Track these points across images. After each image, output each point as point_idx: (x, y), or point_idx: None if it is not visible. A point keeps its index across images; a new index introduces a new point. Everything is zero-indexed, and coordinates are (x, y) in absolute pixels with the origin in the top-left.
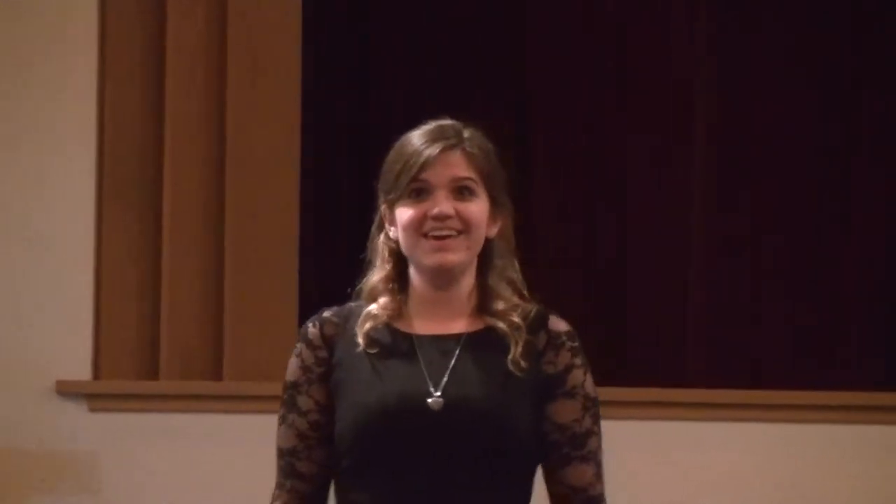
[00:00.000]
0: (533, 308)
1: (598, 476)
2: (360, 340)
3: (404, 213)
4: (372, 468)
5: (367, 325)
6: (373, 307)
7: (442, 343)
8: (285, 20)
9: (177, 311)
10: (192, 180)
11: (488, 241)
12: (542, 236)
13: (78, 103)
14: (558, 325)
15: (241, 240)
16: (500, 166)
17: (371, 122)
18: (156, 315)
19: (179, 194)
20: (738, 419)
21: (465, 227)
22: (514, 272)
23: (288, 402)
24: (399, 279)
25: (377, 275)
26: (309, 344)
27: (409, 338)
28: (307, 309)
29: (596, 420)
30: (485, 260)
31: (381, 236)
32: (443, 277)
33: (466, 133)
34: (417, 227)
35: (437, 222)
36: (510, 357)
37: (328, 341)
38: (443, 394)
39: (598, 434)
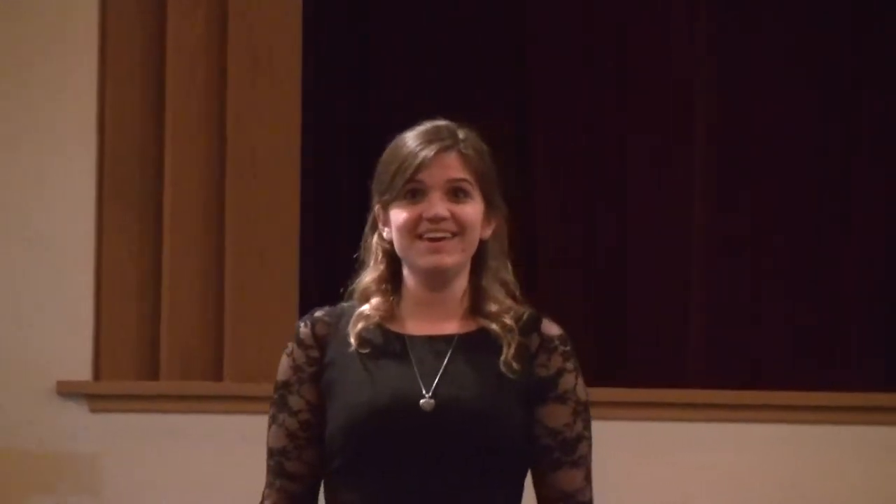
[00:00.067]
0: (525, 311)
1: (588, 481)
2: (353, 341)
3: (399, 215)
4: (363, 468)
5: (360, 326)
6: (365, 307)
7: (434, 344)
8: (285, 20)
9: (177, 311)
10: (192, 180)
11: (482, 243)
12: (542, 236)
13: (78, 103)
14: (551, 328)
15: (242, 240)
16: (494, 167)
17: (371, 122)
18: (156, 316)
19: (180, 194)
20: (737, 420)
21: (460, 230)
22: (507, 273)
23: (279, 402)
24: (392, 280)
25: (370, 275)
26: (300, 343)
27: (401, 338)
28: (307, 309)
29: (587, 425)
30: (478, 261)
31: (375, 236)
32: (437, 279)
33: (461, 134)
34: (412, 229)
35: (432, 224)
36: (502, 359)
37: (320, 341)
38: (434, 395)
39: (588, 439)
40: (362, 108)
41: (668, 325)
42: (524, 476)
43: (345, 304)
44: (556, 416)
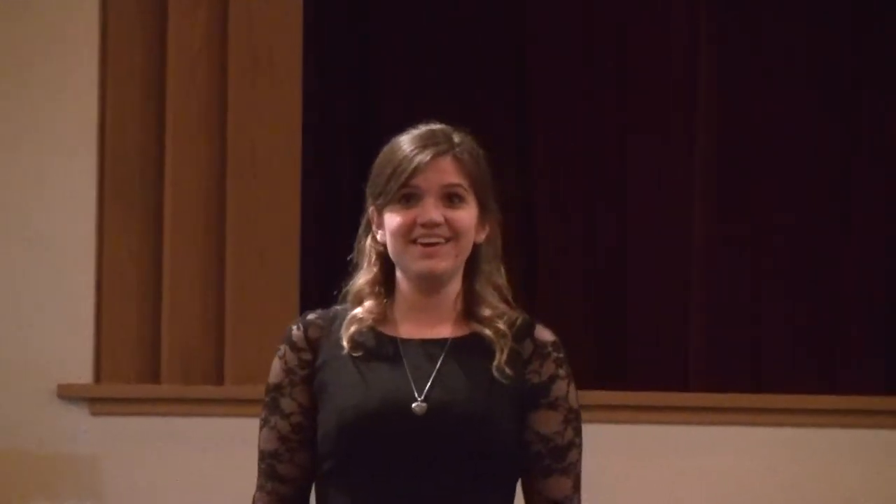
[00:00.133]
0: (519, 316)
1: (576, 489)
2: (345, 343)
3: (393, 219)
4: (354, 471)
5: (353, 329)
6: (358, 310)
7: (427, 347)
8: (286, 20)
9: (178, 314)
10: (193, 181)
11: (476, 247)
12: (542, 236)
13: (79, 103)
14: (544, 334)
15: (243, 242)
16: (489, 172)
17: (372, 122)
18: (157, 318)
19: (180, 196)
20: (737, 423)
21: (454, 235)
22: (501, 277)
23: (270, 405)
24: (385, 282)
25: (363, 277)
26: (293, 346)
27: (394, 341)
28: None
29: (577, 432)
30: (472, 265)
31: (369, 239)
32: (430, 284)
33: (457, 138)
34: (406, 234)
35: (426, 230)
36: (495, 363)
37: (312, 344)
38: (426, 398)
39: (578, 447)
40: (363, 108)
41: (668, 326)
42: (516, 481)
43: (338, 307)
44: (547, 422)
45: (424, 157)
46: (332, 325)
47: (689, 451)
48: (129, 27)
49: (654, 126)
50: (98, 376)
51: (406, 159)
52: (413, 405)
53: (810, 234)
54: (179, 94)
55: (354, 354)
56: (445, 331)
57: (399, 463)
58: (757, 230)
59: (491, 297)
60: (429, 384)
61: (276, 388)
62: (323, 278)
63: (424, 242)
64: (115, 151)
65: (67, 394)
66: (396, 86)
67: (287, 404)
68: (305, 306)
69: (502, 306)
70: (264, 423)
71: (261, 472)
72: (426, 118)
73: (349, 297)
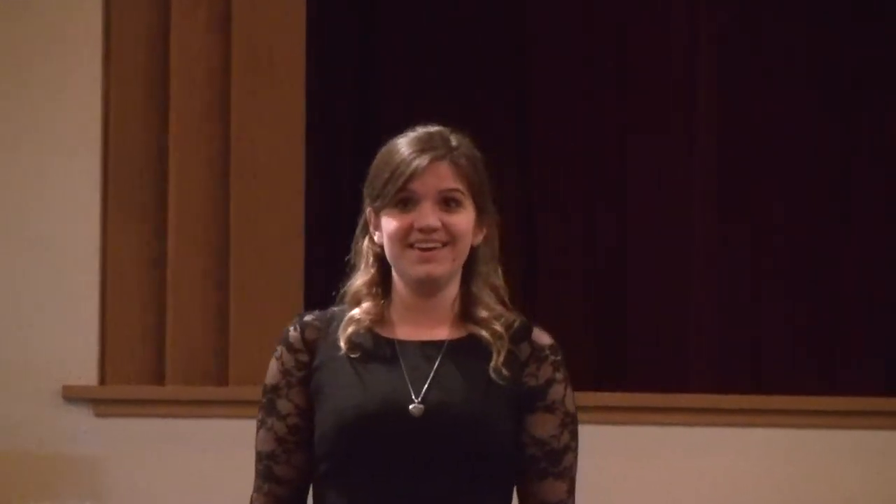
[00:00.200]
0: (517, 318)
1: (571, 493)
2: (342, 344)
3: (390, 223)
4: (351, 473)
5: (350, 330)
6: (355, 311)
7: (424, 349)
8: (289, 21)
9: (182, 315)
10: (196, 182)
11: (473, 249)
12: (542, 236)
13: (82, 105)
14: (542, 337)
15: (246, 243)
16: (486, 175)
17: (375, 123)
18: (161, 320)
19: (184, 196)
20: (736, 424)
21: (451, 239)
22: (498, 279)
23: (267, 406)
24: (383, 283)
25: (361, 278)
26: (290, 347)
27: (391, 343)
28: None
29: (574, 436)
30: (469, 267)
31: (366, 240)
32: (427, 287)
33: (454, 142)
34: (403, 238)
35: (423, 234)
36: (492, 365)
37: (309, 345)
38: (423, 400)
39: (574, 451)
40: (364, 107)
41: (668, 327)
42: (513, 483)
43: (335, 309)
44: (543, 425)
45: (422, 161)
46: (329, 326)
47: (689, 452)
48: (132, 27)
49: (653, 126)
50: (102, 378)
51: (404, 163)
52: (410, 407)
53: (810, 234)
54: (182, 95)
55: (352, 355)
56: (442, 332)
57: (396, 464)
58: (757, 230)
59: (488, 298)
60: (426, 386)
61: (273, 390)
62: (327, 279)
63: (421, 247)
64: (118, 152)
65: (72, 395)
66: (398, 86)
67: (284, 406)
68: (309, 307)
69: (499, 308)
70: (261, 425)
71: (258, 474)
72: (427, 118)
73: (346, 298)
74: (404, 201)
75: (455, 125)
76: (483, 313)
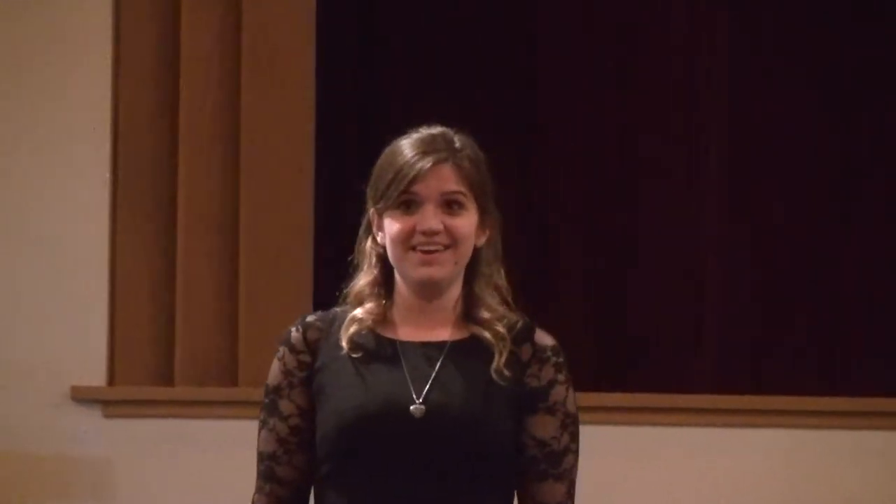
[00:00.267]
0: (519, 319)
1: (570, 495)
2: (344, 344)
3: (392, 225)
4: (352, 473)
5: (352, 330)
6: (358, 311)
7: (426, 350)
8: (299, 22)
9: (192, 316)
10: (206, 184)
11: (476, 250)
12: (546, 237)
13: (91, 106)
14: (544, 339)
15: (256, 244)
16: (489, 176)
17: (385, 125)
18: (171, 320)
19: (193, 198)
20: (738, 425)
21: (453, 242)
22: (501, 279)
23: (269, 407)
24: (385, 283)
25: (364, 279)
26: (291, 348)
27: (393, 344)
28: None
29: (574, 438)
30: (472, 268)
31: (369, 241)
32: (429, 289)
33: (457, 143)
34: (405, 241)
35: (426, 237)
36: (493, 366)
37: (311, 346)
38: (425, 401)
39: (574, 452)
40: (374, 109)
41: (668, 328)
42: (514, 484)
43: (337, 309)
44: (544, 426)
45: (425, 163)
46: (332, 326)
47: (689, 452)
48: (142, 27)
49: (654, 126)
50: (111, 379)
51: (406, 165)
52: (411, 407)
53: (810, 234)
54: (193, 96)
55: (353, 355)
56: (444, 333)
57: (397, 464)
58: (757, 230)
59: (491, 299)
60: (427, 387)
61: (275, 390)
62: (336, 280)
63: (423, 250)
64: (127, 153)
65: (81, 396)
66: (405, 87)
67: (285, 406)
68: (318, 309)
69: (502, 309)
70: (263, 425)
71: (259, 474)
72: (435, 119)
73: (349, 298)
74: (407, 203)
75: (462, 126)
76: (485, 314)
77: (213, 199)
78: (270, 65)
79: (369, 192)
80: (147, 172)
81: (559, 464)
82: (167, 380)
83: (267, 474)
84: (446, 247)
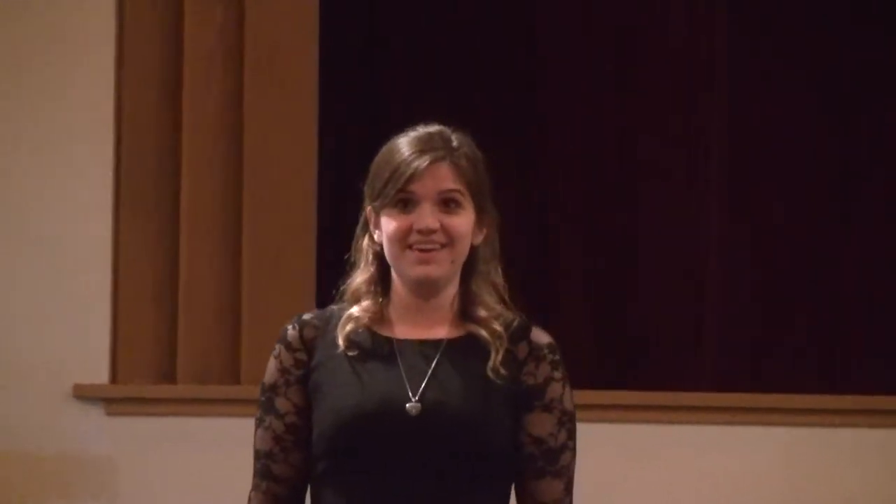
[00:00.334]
0: (515, 318)
1: (568, 492)
2: (341, 342)
3: (389, 224)
4: (349, 471)
5: (348, 328)
6: (354, 309)
7: (422, 348)
8: (302, 21)
9: (194, 314)
10: (208, 182)
11: (473, 248)
12: (546, 237)
13: (95, 105)
14: (541, 336)
15: (259, 243)
16: (487, 175)
17: (388, 125)
18: (173, 319)
19: (196, 196)
20: (738, 423)
21: (450, 241)
22: (498, 276)
23: (265, 405)
24: (382, 281)
25: (361, 276)
26: (288, 346)
27: (389, 342)
28: None
29: (571, 435)
30: (469, 266)
31: (366, 238)
32: (425, 288)
33: (455, 142)
34: (402, 239)
35: (422, 236)
36: (490, 365)
37: (307, 344)
38: (421, 399)
39: (572, 450)
40: (377, 108)
41: (668, 327)
42: (511, 482)
43: (334, 307)
44: (541, 424)
45: (422, 162)
46: (328, 325)
47: (689, 450)
48: (145, 28)
49: (654, 127)
50: (114, 376)
51: (403, 164)
52: (407, 405)
53: (810, 234)
54: (195, 95)
55: (350, 354)
56: (441, 331)
57: (393, 463)
58: (757, 230)
59: (488, 297)
60: (423, 385)
61: (272, 388)
62: (338, 279)
63: (420, 248)
64: (130, 152)
65: (83, 394)
66: (407, 87)
67: (282, 404)
68: (321, 307)
69: (499, 307)
70: (259, 423)
71: (256, 472)
72: (436, 119)
73: (346, 296)
74: (404, 202)
75: (463, 126)
76: (482, 312)
77: (216, 198)
78: (273, 65)
79: (366, 190)
80: (150, 171)
81: (556, 461)
82: (170, 378)
83: (263, 472)
84: (443, 245)
